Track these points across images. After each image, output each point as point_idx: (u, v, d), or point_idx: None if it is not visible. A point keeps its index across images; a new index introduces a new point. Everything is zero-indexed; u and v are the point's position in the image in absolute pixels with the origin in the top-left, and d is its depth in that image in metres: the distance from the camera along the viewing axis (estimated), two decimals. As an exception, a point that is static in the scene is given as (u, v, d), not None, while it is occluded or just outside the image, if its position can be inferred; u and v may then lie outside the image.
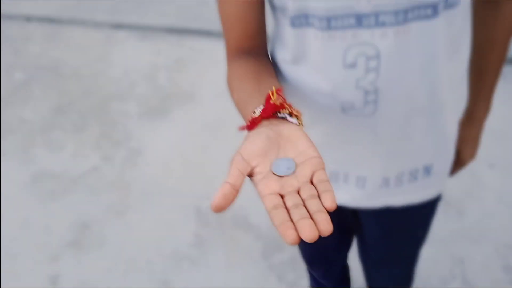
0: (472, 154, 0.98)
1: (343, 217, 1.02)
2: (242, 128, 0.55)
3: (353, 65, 0.68)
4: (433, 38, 0.67)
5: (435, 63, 0.70)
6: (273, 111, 0.53)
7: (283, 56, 0.75)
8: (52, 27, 2.95)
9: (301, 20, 0.66)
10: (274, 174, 0.47)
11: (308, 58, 0.71)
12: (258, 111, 0.53)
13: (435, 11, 0.63)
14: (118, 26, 2.88)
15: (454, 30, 0.69)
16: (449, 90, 0.77)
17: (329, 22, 0.64)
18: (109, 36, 2.84)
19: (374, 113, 0.73)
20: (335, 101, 0.73)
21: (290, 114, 0.53)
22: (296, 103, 0.61)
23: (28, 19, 3.03)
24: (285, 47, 0.73)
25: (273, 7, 0.71)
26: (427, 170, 0.86)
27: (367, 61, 0.67)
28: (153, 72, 2.57)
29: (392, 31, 0.64)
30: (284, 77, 0.77)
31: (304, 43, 0.69)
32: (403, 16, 0.63)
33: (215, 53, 2.61)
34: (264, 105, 0.53)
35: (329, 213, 1.08)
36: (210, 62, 2.58)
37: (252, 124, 0.53)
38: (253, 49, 0.73)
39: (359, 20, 0.64)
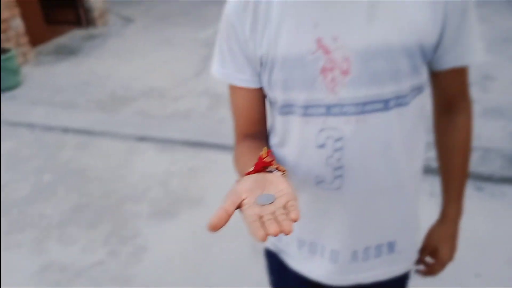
0: (450, 254, 1.03)
1: None
2: (238, 181, 0.71)
3: (323, 146, 0.85)
4: (387, 128, 0.83)
5: (392, 150, 0.85)
6: (263, 166, 0.71)
7: (274, 141, 0.94)
8: (85, 137, 3.30)
9: (287, 109, 0.86)
10: (258, 204, 0.62)
11: (290, 141, 0.89)
12: (252, 168, 0.71)
13: (386, 106, 0.81)
14: (142, 139, 3.21)
15: (407, 125, 0.85)
16: (408, 176, 0.91)
17: (306, 110, 0.83)
18: (133, 147, 3.15)
19: (341, 187, 0.87)
20: (310, 175, 0.88)
21: (277, 169, 0.71)
22: None
23: (65, 130, 3.41)
24: (276, 133, 0.93)
25: (270, 102, 0.91)
26: (391, 247, 0.96)
27: (334, 143, 0.84)
28: (167, 179, 2.79)
29: (354, 119, 0.81)
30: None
31: (288, 128, 0.88)
32: (362, 108, 0.80)
33: (225, 164, 2.85)
34: (257, 161, 0.72)
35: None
36: (219, 172, 2.80)
37: (246, 176, 0.70)
38: (256, 134, 0.94)
39: (328, 109, 0.82)
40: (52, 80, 4.37)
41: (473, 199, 2.39)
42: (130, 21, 5.94)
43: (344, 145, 0.83)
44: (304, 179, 0.89)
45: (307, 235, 0.97)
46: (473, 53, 0.82)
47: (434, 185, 2.46)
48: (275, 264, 1.08)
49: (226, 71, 0.87)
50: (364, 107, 0.80)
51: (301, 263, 1.01)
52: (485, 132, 2.91)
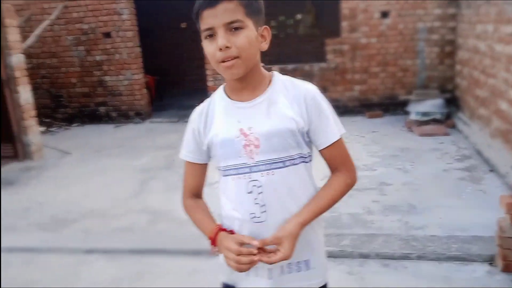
0: (289, 251, 1.30)
1: None
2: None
3: (251, 192, 1.35)
4: (288, 177, 1.35)
5: (294, 192, 1.35)
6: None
7: (220, 193, 1.45)
8: (31, 255, 3.45)
9: (226, 172, 1.39)
10: None
11: (229, 193, 1.40)
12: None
13: (284, 164, 1.35)
14: (90, 251, 3.43)
15: (302, 177, 1.37)
16: None
17: (238, 170, 1.36)
18: (81, 259, 3.35)
19: (266, 219, 1.36)
20: (246, 212, 1.37)
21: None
22: (227, 214, 1.38)
23: (10, 250, 3.53)
24: (220, 187, 1.44)
25: (218, 169, 1.43)
26: (307, 264, 1.42)
27: (257, 189, 1.35)
28: (115, 282, 3.01)
29: (266, 173, 1.34)
30: (222, 205, 1.45)
31: (227, 184, 1.40)
32: (269, 166, 1.34)
33: (166, 266, 3.17)
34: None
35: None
36: (164, 274, 3.09)
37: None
38: (196, 193, 1.48)
39: (251, 168, 1.35)
40: (-10, 208, 4.48)
41: (382, 274, 2.90)
42: (66, 153, 6.31)
43: (263, 190, 1.35)
44: (243, 216, 1.38)
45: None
46: (333, 135, 1.36)
47: (352, 265, 2.97)
48: None
49: (184, 153, 1.48)
50: (271, 166, 1.34)
51: (250, 283, 1.43)
52: (386, 224, 3.56)
